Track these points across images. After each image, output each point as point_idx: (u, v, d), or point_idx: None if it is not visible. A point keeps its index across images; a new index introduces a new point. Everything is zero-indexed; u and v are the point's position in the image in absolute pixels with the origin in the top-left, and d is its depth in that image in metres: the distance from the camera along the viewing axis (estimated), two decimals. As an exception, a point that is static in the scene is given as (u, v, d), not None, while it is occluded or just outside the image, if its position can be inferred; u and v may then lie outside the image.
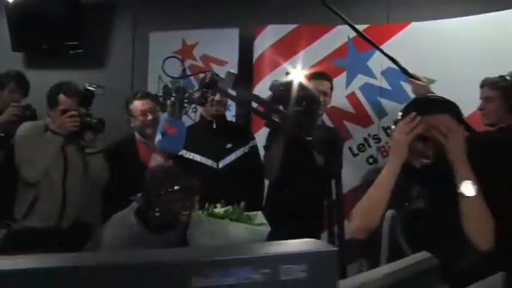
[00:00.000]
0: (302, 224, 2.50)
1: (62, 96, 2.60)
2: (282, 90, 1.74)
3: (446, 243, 1.50)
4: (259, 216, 2.05)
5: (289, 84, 1.73)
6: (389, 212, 1.56)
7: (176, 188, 2.00)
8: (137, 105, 2.83)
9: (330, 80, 2.86)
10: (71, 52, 4.24)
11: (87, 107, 2.64)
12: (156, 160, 2.63)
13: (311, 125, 1.78)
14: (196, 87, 2.18)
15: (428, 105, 1.70)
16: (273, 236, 2.04)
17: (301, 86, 1.73)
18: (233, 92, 1.74)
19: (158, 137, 1.60)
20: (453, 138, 1.54)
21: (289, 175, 2.61)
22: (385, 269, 0.90)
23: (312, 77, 2.68)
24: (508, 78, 2.48)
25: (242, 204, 2.00)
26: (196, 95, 1.71)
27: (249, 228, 1.92)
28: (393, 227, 1.55)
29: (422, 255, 0.98)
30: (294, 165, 2.56)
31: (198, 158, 2.68)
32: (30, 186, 2.57)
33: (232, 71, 1.69)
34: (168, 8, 4.11)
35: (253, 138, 2.87)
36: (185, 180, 2.04)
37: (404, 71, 2.69)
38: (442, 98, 1.73)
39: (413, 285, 0.89)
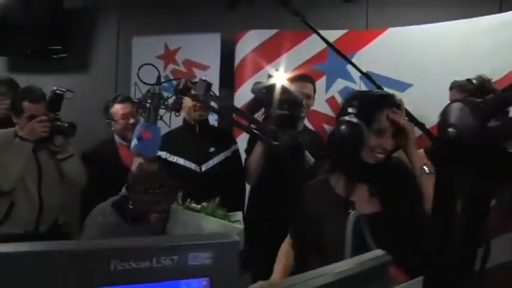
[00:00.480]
0: (282, 228, 2.37)
1: (26, 103, 2.40)
2: (264, 93, 1.64)
3: (400, 240, 1.42)
4: (238, 215, 2.05)
5: (271, 86, 1.63)
6: (353, 213, 1.49)
7: (157, 190, 1.97)
8: (118, 108, 2.72)
9: (313, 83, 2.73)
10: (55, 56, 4.09)
11: (57, 111, 2.44)
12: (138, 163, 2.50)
13: (294, 127, 1.69)
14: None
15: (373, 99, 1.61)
16: (254, 240, 2.04)
17: (284, 89, 1.64)
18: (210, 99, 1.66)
19: (134, 141, 1.52)
20: (408, 124, 1.56)
21: (270, 180, 2.47)
22: (334, 266, 0.87)
23: (295, 79, 2.55)
24: (474, 81, 2.45)
25: (217, 199, 2.00)
26: (171, 101, 1.62)
27: (221, 223, 1.93)
28: (358, 227, 1.48)
29: (376, 253, 0.97)
30: (274, 170, 2.43)
31: (181, 161, 2.56)
32: (5, 193, 2.39)
33: (204, 77, 1.65)
34: (151, 13, 3.99)
35: (235, 143, 2.75)
36: (166, 182, 2.02)
37: (376, 85, 2.61)
38: (386, 92, 1.68)
39: (362, 282, 0.88)
